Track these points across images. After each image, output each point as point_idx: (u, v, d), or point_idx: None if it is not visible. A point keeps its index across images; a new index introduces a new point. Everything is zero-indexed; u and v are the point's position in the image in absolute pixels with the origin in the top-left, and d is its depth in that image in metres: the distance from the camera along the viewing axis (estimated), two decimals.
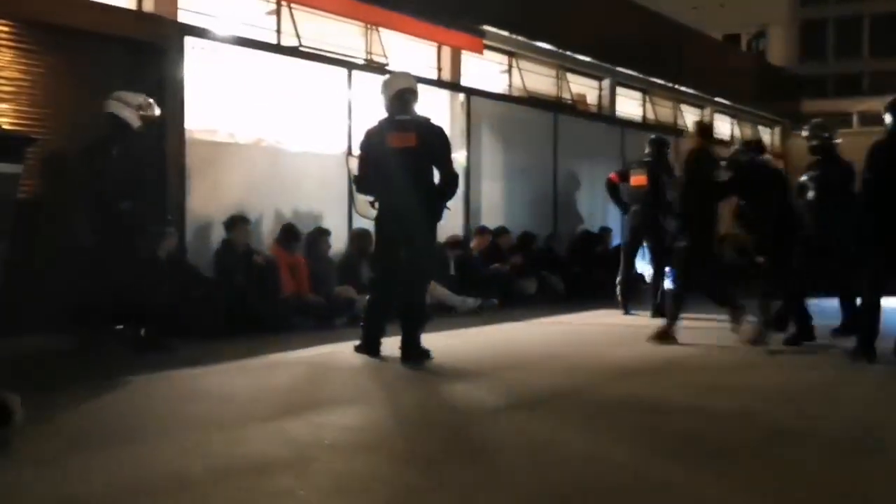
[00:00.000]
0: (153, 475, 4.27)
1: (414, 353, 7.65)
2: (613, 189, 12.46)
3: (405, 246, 7.75)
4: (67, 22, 9.15)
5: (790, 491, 4.15)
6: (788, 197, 9.48)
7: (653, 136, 13.06)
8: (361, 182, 8.10)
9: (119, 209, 7.82)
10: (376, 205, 7.93)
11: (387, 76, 8.43)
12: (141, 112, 8.12)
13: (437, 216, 7.90)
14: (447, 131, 13.67)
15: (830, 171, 9.34)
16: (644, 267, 14.87)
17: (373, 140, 7.87)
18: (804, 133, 9.76)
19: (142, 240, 8.24)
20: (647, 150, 12.19)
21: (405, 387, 6.81)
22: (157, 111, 8.32)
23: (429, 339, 7.91)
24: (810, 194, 9.44)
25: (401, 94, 7.84)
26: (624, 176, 12.33)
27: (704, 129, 9.92)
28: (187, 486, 4.10)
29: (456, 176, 7.93)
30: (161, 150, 9.75)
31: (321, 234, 10.85)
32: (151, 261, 8.63)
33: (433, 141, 7.79)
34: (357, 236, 11.17)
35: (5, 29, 8.88)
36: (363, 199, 8.40)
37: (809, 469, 4.54)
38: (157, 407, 5.93)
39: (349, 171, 9.38)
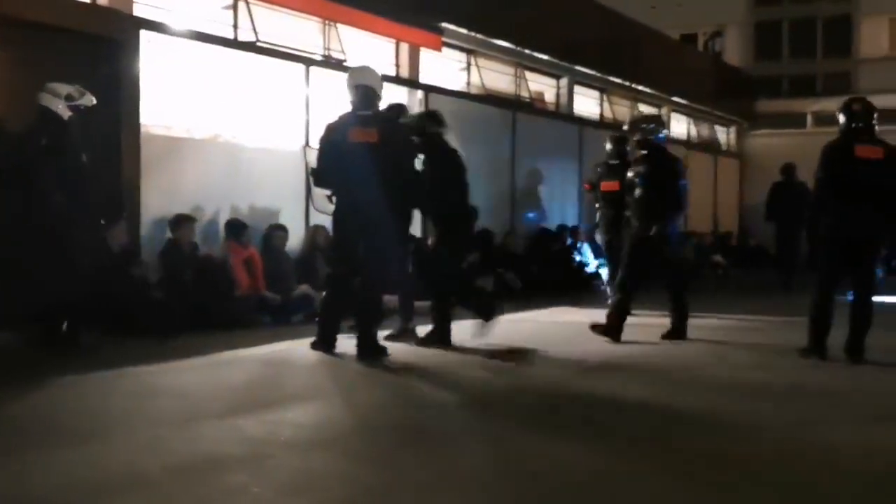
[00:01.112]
0: (110, 472, 4.25)
1: (370, 350, 7.62)
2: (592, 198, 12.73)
3: (363, 241, 7.70)
4: (20, 15, 9.02)
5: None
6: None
7: (614, 133, 13.10)
8: (320, 176, 8.01)
9: (51, 201, 7.68)
10: (334, 199, 7.87)
11: (352, 69, 8.35)
12: (70, 102, 7.93)
13: (408, 219, 8.18)
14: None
15: (657, 166, 9.09)
16: (595, 264, 15.01)
17: (334, 134, 7.77)
18: (651, 127, 9.36)
19: (81, 233, 7.99)
20: (609, 149, 12.22)
21: (362, 384, 6.80)
22: (92, 100, 8.11)
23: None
24: (637, 191, 9.12)
25: (364, 90, 7.78)
26: (594, 183, 12.44)
27: None
28: (144, 483, 4.09)
29: (415, 182, 8.02)
30: (116, 145, 9.65)
31: (276, 229, 10.80)
32: (94, 255, 8.41)
33: (395, 139, 7.81)
34: (313, 232, 11.14)
35: None
36: (321, 194, 8.33)
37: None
38: (112, 404, 5.88)
39: (306, 164, 9.33)
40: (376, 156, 7.61)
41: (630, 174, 9.37)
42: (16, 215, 7.79)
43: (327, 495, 4.01)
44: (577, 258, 15.69)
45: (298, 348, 8.03)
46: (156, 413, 5.58)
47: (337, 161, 7.68)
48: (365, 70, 8.32)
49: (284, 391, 6.45)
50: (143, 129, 9.95)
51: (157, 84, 10.18)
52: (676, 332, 9.12)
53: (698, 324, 9.58)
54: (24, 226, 7.75)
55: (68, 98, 7.93)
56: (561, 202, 17.59)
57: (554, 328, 10.61)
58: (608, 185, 11.89)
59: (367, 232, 7.67)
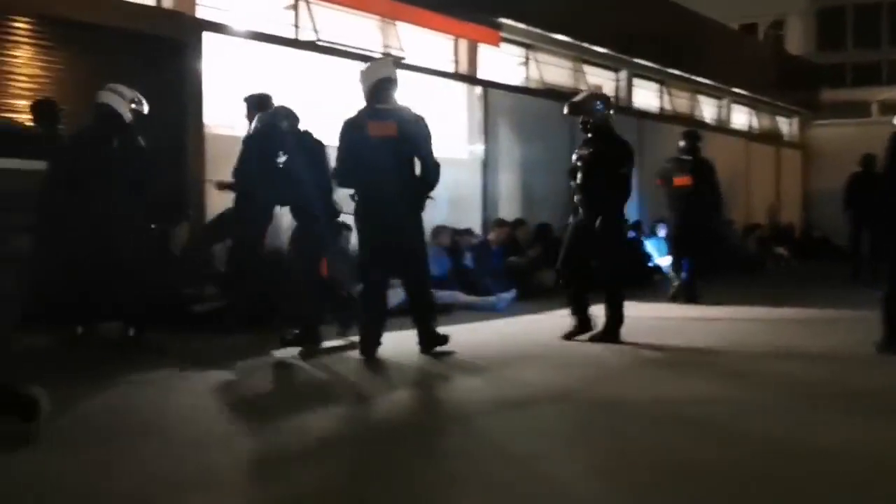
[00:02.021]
0: (182, 468, 4.33)
1: (433, 343, 7.61)
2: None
3: (392, 238, 7.53)
4: (86, 18, 9.21)
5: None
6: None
7: (689, 129, 13.18)
8: (341, 175, 7.79)
9: (118, 202, 7.73)
10: (356, 198, 7.66)
11: (366, 64, 8.13)
12: (133, 106, 7.99)
13: (420, 207, 7.68)
14: (464, 123, 13.94)
15: (603, 149, 8.52)
16: (661, 258, 14.97)
17: (352, 130, 7.58)
18: (598, 107, 8.59)
19: (139, 235, 8.08)
20: (682, 145, 12.28)
21: (425, 381, 6.81)
22: (146, 108, 8.16)
23: (447, 331, 7.89)
24: (580, 176, 8.59)
25: (380, 83, 7.61)
26: (667, 178, 12.39)
27: None
28: (216, 480, 4.15)
29: (437, 166, 7.63)
30: (181, 145, 9.81)
31: (341, 228, 10.86)
32: (158, 256, 8.55)
33: (414, 130, 7.55)
34: None
35: (24, 26, 8.96)
36: (343, 193, 8.04)
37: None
38: (182, 401, 5.97)
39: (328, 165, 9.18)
40: (396, 150, 7.46)
41: (574, 157, 8.79)
42: (73, 216, 7.74)
43: (395, 489, 4.05)
44: (646, 251, 15.73)
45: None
46: (225, 410, 5.67)
47: (357, 158, 7.51)
48: (379, 63, 8.25)
49: (349, 388, 6.51)
50: (206, 129, 10.10)
51: (220, 84, 10.32)
52: (608, 334, 8.50)
53: (759, 316, 9.49)
54: (82, 227, 7.69)
55: (132, 102, 8.00)
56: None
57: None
58: (680, 180, 12.05)
59: (394, 229, 7.49)
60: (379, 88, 7.59)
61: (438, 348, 7.61)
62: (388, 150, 7.41)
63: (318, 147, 8.39)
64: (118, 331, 7.93)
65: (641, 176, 17.56)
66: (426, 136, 7.61)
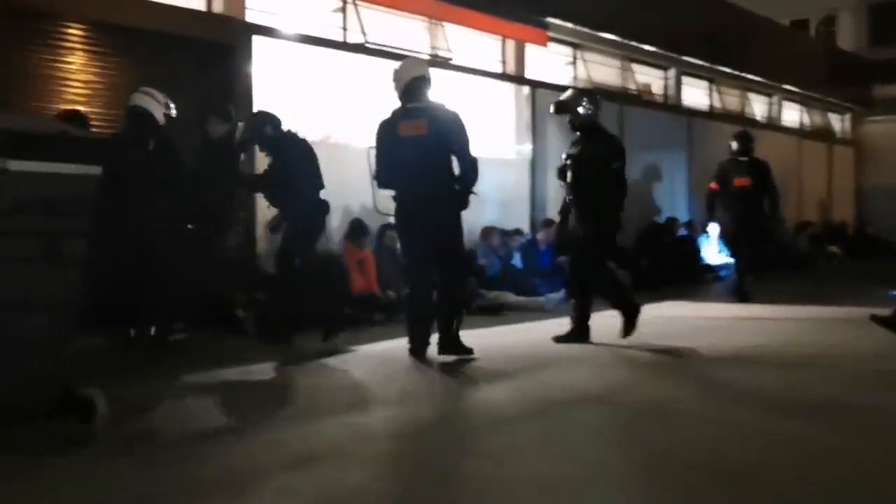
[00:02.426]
0: (234, 468, 4.36)
1: (452, 348, 7.43)
2: (713, 197, 12.54)
3: (433, 236, 7.42)
4: (138, 23, 9.33)
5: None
6: None
7: (741, 130, 13.18)
8: (379, 176, 7.70)
9: (152, 205, 7.76)
10: (395, 198, 7.62)
11: (399, 64, 8.05)
12: (164, 111, 8.02)
13: (462, 205, 7.53)
14: (511, 124, 13.93)
15: (591, 146, 8.38)
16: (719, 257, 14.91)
17: (386, 130, 7.56)
18: (583, 106, 8.44)
19: (178, 238, 8.10)
20: (736, 147, 12.28)
21: (478, 381, 6.80)
22: (174, 112, 8.17)
23: (493, 334, 7.88)
24: (569, 175, 8.47)
25: (412, 82, 7.53)
26: (722, 181, 12.33)
27: None
28: (265, 479, 4.18)
29: (474, 161, 7.48)
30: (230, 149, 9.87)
31: (389, 229, 10.91)
32: (200, 259, 8.49)
33: (446, 127, 7.44)
34: None
35: (78, 32, 9.09)
36: (383, 195, 7.97)
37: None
38: (231, 402, 6.03)
39: (370, 166, 9.14)
40: (427, 148, 7.35)
41: (563, 156, 8.63)
42: (111, 219, 7.54)
43: (451, 493, 4.05)
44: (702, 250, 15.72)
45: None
46: (274, 410, 5.71)
47: (391, 158, 7.47)
48: (411, 62, 8.17)
49: (401, 388, 6.52)
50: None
51: (270, 87, 10.39)
52: (577, 333, 8.44)
53: (809, 315, 9.37)
54: (122, 229, 7.61)
55: (165, 105, 8.03)
56: (671, 195, 17.38)
57: (662, 323, 10.47)
58: (741, 181, 12.09)
59: (432, 229, 7.39)
60: (412, 87, 7.52)
61: (457, 356, 7.41)
62: (421, 148, 7.34)
63: (307, 146, 8.66)
64: (141, 330, 7.97)
65: (691, 174, 17.55)
66: (460, 133, 7.48)
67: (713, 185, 12.49)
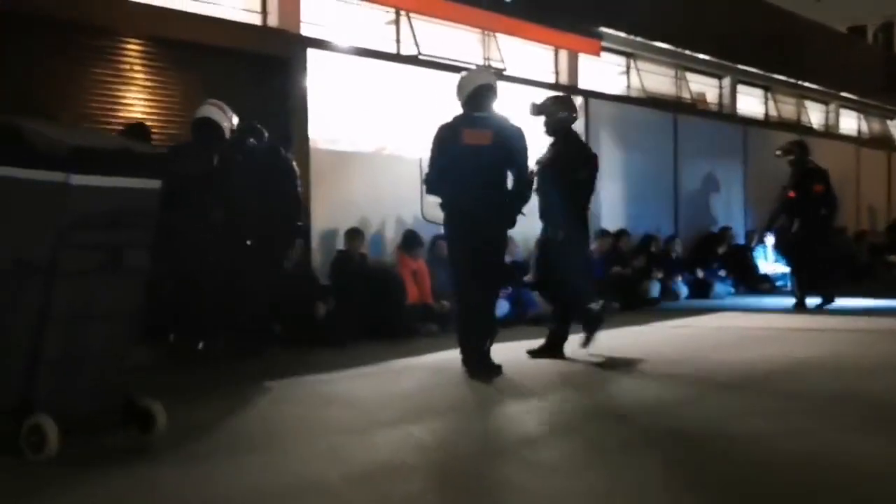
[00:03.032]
0: (288, 479, 4.39)
1: (482, 368, 7.20)
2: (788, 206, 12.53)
3: (480, 248, 7.19)
4: (197, 39, 9.46)
5: None
6: None
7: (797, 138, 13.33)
8: (431, 183, 7.48)
9: (211, 217, 7.77)
10: (444, 207, 7.43)
11: (464, 73, 7.89)
12: (229, 124, 8.06)
13: (512, 222, 7.43)
14: None
15: (561, 152, 8.11)
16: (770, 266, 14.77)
17: (446, 136, 7.32)
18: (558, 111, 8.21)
19: (237, 251, 8.08)
20: (800, 155, 12.35)
21: (528, 392, 6.78)
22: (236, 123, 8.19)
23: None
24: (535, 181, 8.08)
25: (479, 90, 7.36)
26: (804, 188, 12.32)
27: None
28: (321, 491, 4.21)
29: (531, 180, 7.42)
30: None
31: (440, 239, 10.94)
32: (262, 271, 8.44)
33: (510, 141, 7.29)
34: None
35: (139, 48, 9.24)
36: (432, 202, 7.81)
37: None
38: (288, 412, 6.08)
39: (422, 174, 8.94)
40: (489, 159, 7.20)
41: (533, 165, 8.02)
42: (176, 232, 7.42)
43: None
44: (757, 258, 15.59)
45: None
46: (330, 421, 5.74)
47: (449, 166, 7.26)
48: (478, 71, 8.12)
49: (454, 399, 6.53)
50: (311, 144, 10.26)
51: (324, 100, 10.48)
52: (550, 348, 8.17)
53: (867, 327, 9.24)
54: (183, 242, 7.56)
55: (230, 119, 8.09)
56: (726, 204, 17.23)
57: (716, 333, 10.38)
58: (819, 188, 12.33)
59: (481, 240, 7.19)
60: (477, 95, 7.36)
61: (485, 374, 7.17)
62: (482, 158, 7.18)
63: (286, 164, 8.60)
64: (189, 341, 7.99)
65: (747, 183, 17.38)
66: (523, 149, 7.38)
67: (791, 192, 12.35)
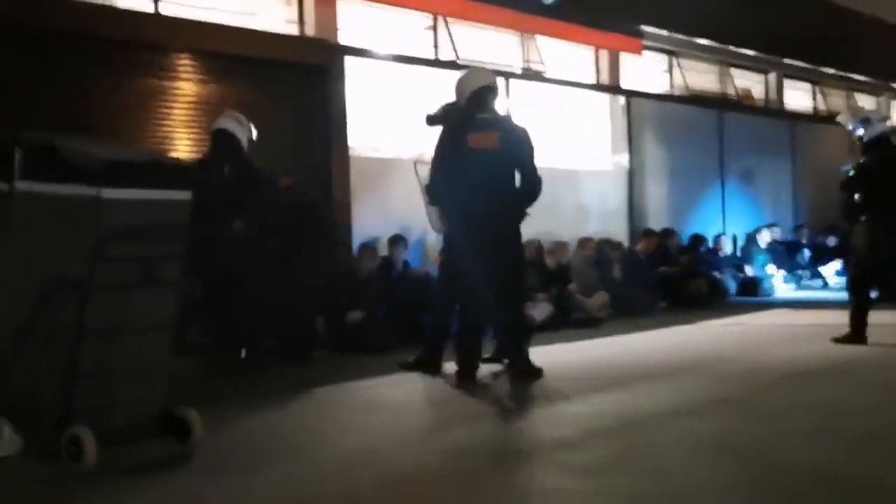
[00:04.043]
0: (326, 486, 4.41)
1: (523, 372, 7.13)
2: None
3: (491, 256, 6.95)
4: (237, 50, 9.57)
5: None
6: None
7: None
8: (436, 191, 7.35)
9: (230, 228, 7.71)
10: (447, 216, 7.30)
11: (462, 73, 7.76)
12: (248, 135, 8.02)
13: (521, 219, 7.27)
14: (607, 134, 13.84)
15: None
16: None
17: (450, 141, 7.20)
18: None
19: (263, 261, 7.99)
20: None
21: (560, 396, 6.73)
22: (255, 135, 8.14)
23: (597, 344, 7.72)
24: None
25: (479, 91, 7.20)
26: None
27: None
28: (358, 498, 4.21)
29: (540, 180, 7.15)
30: (326, 168, 10.06)
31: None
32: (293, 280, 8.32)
33: (516, 141, 7.14)
34: (525, 247, 11.21)
35: (181, 61, 9.37)
36: (436, 211, 7.62)
37: None
38: (328, 419, 6.08)
39: (419, 181, 8.55)
40: (497, 162, 7.04)
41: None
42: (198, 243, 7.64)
43: None
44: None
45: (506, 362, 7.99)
46: (369, 427, 5.74)
47: (452, 171, 7.10)
48: (476, 71, 7.90)
49: (492, 404, 6.53)
50: (351, 152, 10.31)
51: (364, 107, 10.53)
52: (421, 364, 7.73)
53: None
54: (206, 253, 7.31)
55: (249, 130, 8.03)
56: (774, 201, 17.03)
57: (771, 331, 10.25)
58: None
59: (491, 245, 6.95)
60: (479, 96, 7.20)
61: (525, 380, 7.07)
62: (490, 162, 7.01)
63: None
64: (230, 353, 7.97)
65: (795, 179, 17.17)
66: (531, 148, 7.22)
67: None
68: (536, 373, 7.12)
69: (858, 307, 8.43)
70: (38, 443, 4.89)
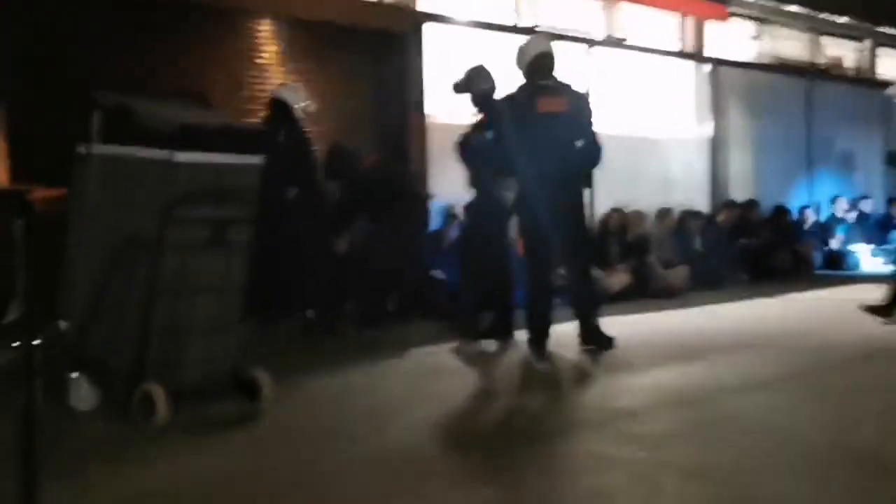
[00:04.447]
0: (390, 450, 4.45)
1: (595, 340, 7.06)
2: None
3: (559, 221, 6.87)
4: (318, 17, 9.62)
5: None
6: None
7: None
8: (505, 156, 7.15)
9: (284, 196, 7.78)
10: (514, 182, 7.19)
11: (523, 42, 7.55)
12: (302, 105, 8.13)
13: (588, 184, 7.31)
14: (691, 103, 13.61)
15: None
16: None
17: (516, 106, 7.09)
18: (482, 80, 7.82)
19: (312, 228, 8.11)
20: None
21: (629, 367, 6.69)
22: (313, 107, 8.29)
23: (673, 315, 7.62)
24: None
25: (539, 58, 7.11)
26: None
27: None
28: (418, 459, 4.26)
29: (601, 148, 7.10)
30: (404, 135, 10.08)
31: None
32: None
33: (582, 107, 7.12)
34: (607, 216, 11.15)
35: (262, 28, 9.47)
36: (504, 180, 7.46)
37: None
38: (396, 383, 6.17)
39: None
40: (565, 126, 6.97)
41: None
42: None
43: (604, 478, 4.03)
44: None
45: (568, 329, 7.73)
46: (437, 392, 5.78)
47: (519, 135, 6.96)
48: (536, 39, 7.74)
49: (559, 372, 6.53)
50: (428, 119, 10.32)
51: (442, 74, 10.51)
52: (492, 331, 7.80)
53: None
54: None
55: (303, 102, 8.17)
56: (865, 174, 16.59)
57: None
58: None
59: (559, 212, 6.86)
60: (540, 64, 7.11)
61: (596, 348, 7.03)
62: (558, 126, 6.95)
63: None
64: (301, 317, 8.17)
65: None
66: (592, 115, 7.18)
67: None
68: (606, 342, 7.08)
69: None
70: (113, 398, 5.04)
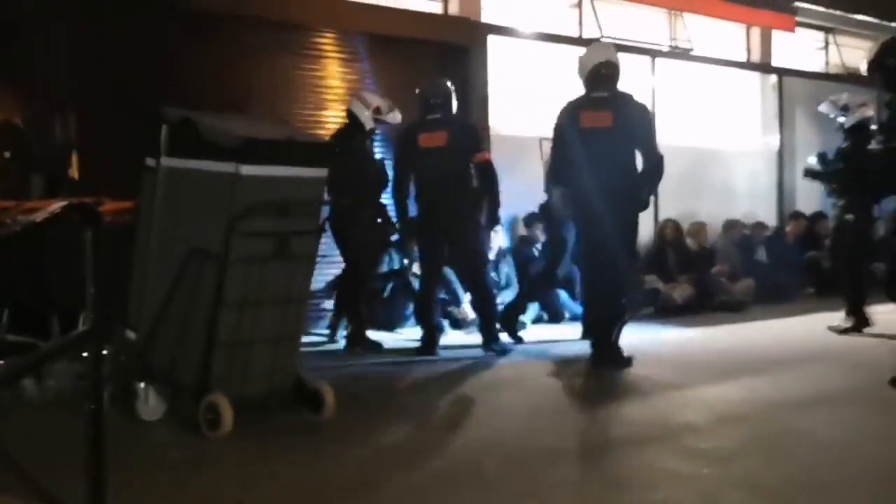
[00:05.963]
0: (445, 463, 4.47)
1: (609, 359, 6.86)
2: None
3: (611, 235, 6.77)
4: (382, 30, 9.70)
5: None
6: None
7: None
8: (555, 170, 7.26)
9: (339, 203, 7.59)
10: (569, 196, 7.12)
11: (584, 50, 7.52)
12: (376, 116, 8.11)
13: (642, 204, 7.04)
14: (757, 114, 13.46)
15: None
16: None
17: (564, 122, 7.05)
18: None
19: (362, 234, 8.09)
20: None
21: (687, 382, 6.60)
22: (398, 118, 8.27)
23: (737, 329, 7.52)
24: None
25: (597, 69, 6.96)
26: None
27: None
28: (477, 476, 4.24)
29: (660, 159, 6.90)
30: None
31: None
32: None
33: (632, 120, 6.91)
34: (662, 226, 11.04)
35: (329, 40, 9.56)
36: (559, 192, 7.40)
37: None
38: (454, 395, 6.20)
39: (543, 158, 8.51)
40: (611, 142, 6.81)
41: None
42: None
43: (669, 492, 3.99)
44: None
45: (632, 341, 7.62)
46: (495, 405, 5.78)
47: (571, 152, 6.94)
48: (596, 47, 7.66)
49: (616, 387, 6.50)
50: (492, 132, 10.32)
51: (506, 86, 10.52)
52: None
53: None
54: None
55: (376, 111, 8.13)
56: None
57: None
58: None
59: (611, 227, 6.76)
60: (597, 74, 6.98)
61: (611, 366, 6.82)
62: (604, 141, 6.80)
63: None
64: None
65: None
66: (647, 127, 7.06)
67: None
68: (623, 362, 6.84)
69: None
70: (179, 409, 5.11)
